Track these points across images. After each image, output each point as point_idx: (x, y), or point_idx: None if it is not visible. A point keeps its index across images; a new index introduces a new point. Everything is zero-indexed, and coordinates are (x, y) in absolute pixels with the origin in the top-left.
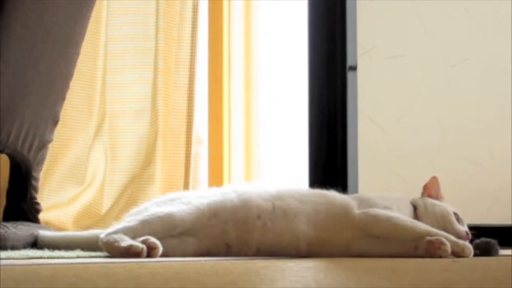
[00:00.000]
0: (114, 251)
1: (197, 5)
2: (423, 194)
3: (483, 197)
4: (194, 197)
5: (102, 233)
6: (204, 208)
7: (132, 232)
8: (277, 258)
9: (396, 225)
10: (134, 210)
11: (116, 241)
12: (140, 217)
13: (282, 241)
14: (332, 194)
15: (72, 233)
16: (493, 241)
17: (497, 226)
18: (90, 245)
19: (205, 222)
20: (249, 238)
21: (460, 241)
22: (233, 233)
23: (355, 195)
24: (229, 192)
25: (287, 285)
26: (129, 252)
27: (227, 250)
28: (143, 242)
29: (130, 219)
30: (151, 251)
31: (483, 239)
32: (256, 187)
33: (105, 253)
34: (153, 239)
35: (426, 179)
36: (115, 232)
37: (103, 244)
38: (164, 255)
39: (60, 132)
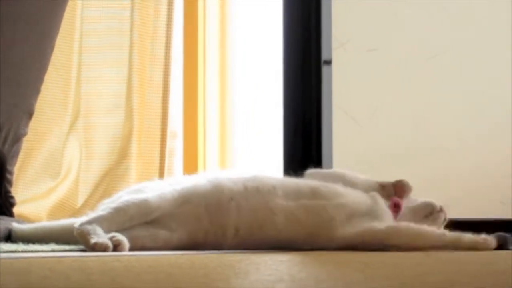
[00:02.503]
0: (86, 243)
1: (172, 1)
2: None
3: (457, 191)
4: (166, 185)
5: (76, 222)
6: (176, 194)
7: (107, 221)
8: (252, 252)
9: None
10: (108, 200)
11: (89, 233)
12: (114, 205)
13: (258, 219)
14: None
15: (46, 223)
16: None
17: (470, 220)
18: (65, 236)
19: (178, 209)
20: (224, 221)
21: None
22: (207, 218)
23: None
24: (201, 178)
25: (261, 279)
26: (95, 250)
27: (204, 238)
28: (110, 239)
29: (104, 207)
30: (116, 248)
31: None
32: (228, 173)
33: (79, 247)
34: (118, 236)
35: (400, 173)
36: (90, 222)
37: (77, 233)
38: (137, 248)
39: (34, 126)
